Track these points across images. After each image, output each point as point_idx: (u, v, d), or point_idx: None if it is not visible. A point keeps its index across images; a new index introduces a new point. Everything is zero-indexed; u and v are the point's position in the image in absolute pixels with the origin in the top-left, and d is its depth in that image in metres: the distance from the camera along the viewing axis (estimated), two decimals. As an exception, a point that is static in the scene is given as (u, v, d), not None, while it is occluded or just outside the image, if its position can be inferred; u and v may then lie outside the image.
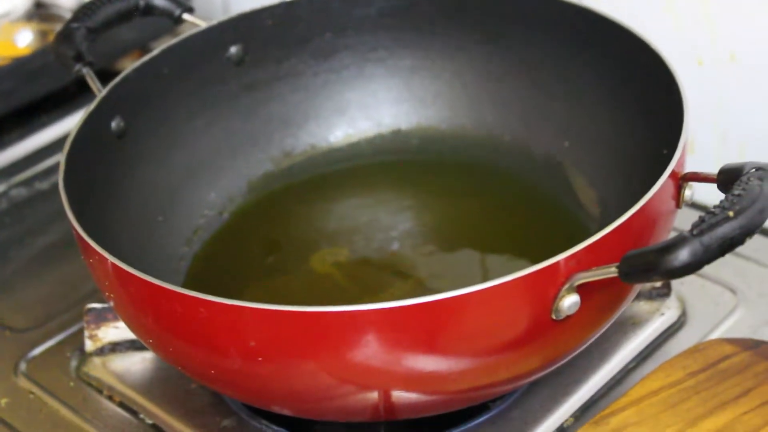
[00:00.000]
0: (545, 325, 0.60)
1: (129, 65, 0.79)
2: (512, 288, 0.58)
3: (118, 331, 0.78)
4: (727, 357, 0.70)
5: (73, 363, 0.79)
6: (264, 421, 0.72)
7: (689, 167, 0.66)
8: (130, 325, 0.68)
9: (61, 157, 0.70)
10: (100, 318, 0.78)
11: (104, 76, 0.79)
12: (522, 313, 0.59)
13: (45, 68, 1.02)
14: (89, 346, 0.79)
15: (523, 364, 0.63)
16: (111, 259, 0.62)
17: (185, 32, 0.82)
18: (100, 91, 0.76)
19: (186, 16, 0.83)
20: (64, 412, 0.75)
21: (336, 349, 0.59)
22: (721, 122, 0.88)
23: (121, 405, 0.75)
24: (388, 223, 0.84)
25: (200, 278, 0.79)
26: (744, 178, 0.58)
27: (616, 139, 0.79)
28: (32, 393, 0.77)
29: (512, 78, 0.85)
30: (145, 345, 0.68)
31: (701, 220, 0.55)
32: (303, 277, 0.80)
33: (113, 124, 0.77)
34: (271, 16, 0.85)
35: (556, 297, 0.59)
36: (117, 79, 0.77)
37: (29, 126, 1.05)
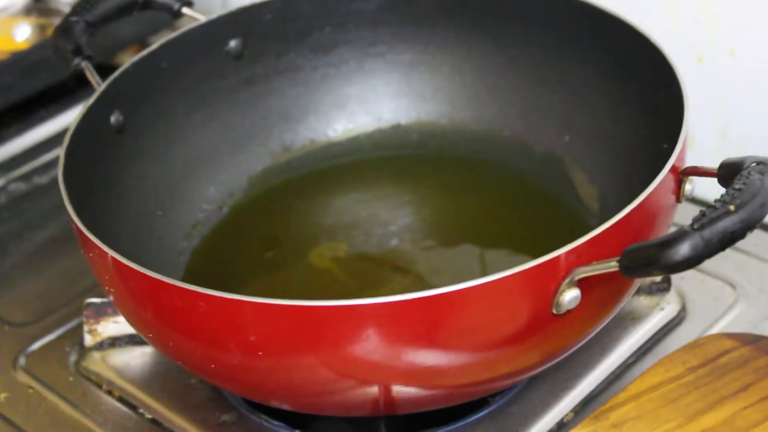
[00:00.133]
0: (546, 320, 0.60)
1: (128, 59, 0.79)
2: (513, 282, 0.58)
3: (117, 325, 0.78)
4: (726, 352, 0.70)
5: (73, 357, 0.79)
6: (263, 416, 0.72)
7: (689, 162, 0.66)
8: (130, 320, 0.68)
9: (60, 152, 0.70)
10: (100, 312, 0.78)
11: (103, 71, 0.79)
12: (522, 307, 0.59)
13: (44, 62, 1.02)
14: (89, 340, 0.79)
15: (523, 358, 0.63)
16: (111, 253, 0.62)
17: (184, 26, 0.82)
18: (100, 86, 0.76)
19: (185, 10, 0.83)
20: (64, 406, 0.75)
21: (336, 343, 0.59)
22: (721, 118, 0.88)
23: (121, 400, 0.75)
24: (388, 217, 0.84)
25: (199, 273, 0.79)
26: (745, 173, 0.58)
27: (616, 134, 0.79)
28: (31, 387, 0.77)
29: (512, 73, 0.85)
30: (145, 339, 0.68)
31: (702, 214, 0.55)
32: (302, 272, 0.80)
33: (112, 119, 0.77)
34: (270, 10, 0.85)
35: (556, 291, 0.59)
36: (116, 74, 0.77)
37: (28, 120, 1.05)
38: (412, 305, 0.57)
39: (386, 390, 0.62)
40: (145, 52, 0.79)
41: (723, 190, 0.58)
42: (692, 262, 0.54)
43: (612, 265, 0.57)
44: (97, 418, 0.74)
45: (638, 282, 0.67)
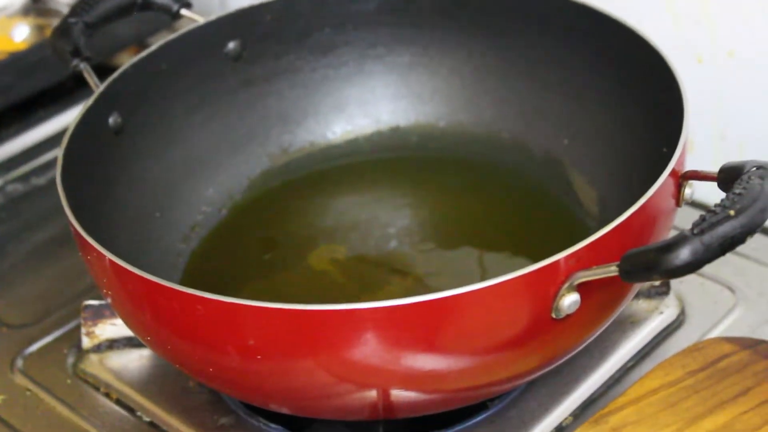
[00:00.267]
0: (545, 324, 0.60)
1: (127, 61, 0.78)
2: (513, 286, 0.57)
3: (115, 328, 0.78)
4: (726, 356, 0.69)
5: (70, 360, 0.79)
6: (262, 420, 0.72)
7: (688, 164, 0.66)
8: (128, 322, 0.67)
9: (58, 153, 0.70)
10: (98, 315, 0.78)
11: (102, 72, 0.78)
12: (522, 311, 0.59)
13: (42, 63, 1.02)
14: (86, 343, 0.78)
15: (523, 363, 0.63)
16: (108, 255, 0.62)
17: (183, 28, 0.82)
18: (98, 87, 0.76)
19: (184, 11, 0.82)
20: (61, 409, 0.75)
21: (334, 347, 0.58)
22: (721, 120, 0.88)
23: (118, 402, 0.75)
24: (386, 220, 0.84)
25: (197, 275, 0.79)
26: (745, 177, 0.58)
27: (615, 137, 0.79)
28: (29, 390, 0.77)
29: (511, 75, 0.85)
30: (143, 342, 0.68)
31: (702, 218, 0.55)
32: (301, 274, 0.80)
33: (111, 120, 0.77)
34: (269, 11, 0.85)
35: (556, 296, 0.59)
36: (115, 75, 0.77)
37: (26, 121, 1.04)
38: (411, 309, 0.57)
39: (385, 394, 0.62)
40: (143, 54, 0.79)
41: (723, 194, 0.58)
42: (692, 267, 0.54)
43: (612, 270, 0.57)
44: (94, 420, 0.74)
45: (638, 286, 0.67)
